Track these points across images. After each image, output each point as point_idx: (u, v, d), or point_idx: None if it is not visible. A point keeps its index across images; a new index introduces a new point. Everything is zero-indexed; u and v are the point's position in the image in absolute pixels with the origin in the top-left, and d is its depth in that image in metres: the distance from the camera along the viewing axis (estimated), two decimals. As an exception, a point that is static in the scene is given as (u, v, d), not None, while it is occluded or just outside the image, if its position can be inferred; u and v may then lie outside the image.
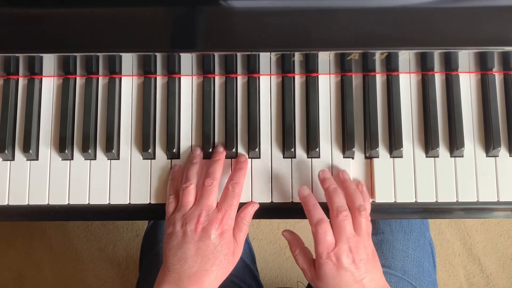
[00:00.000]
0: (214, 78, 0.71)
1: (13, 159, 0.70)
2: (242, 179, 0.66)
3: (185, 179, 0.66)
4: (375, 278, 0.63)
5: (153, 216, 0.73)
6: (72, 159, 0.70)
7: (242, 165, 0.68)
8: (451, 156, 0.69)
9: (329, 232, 0.63)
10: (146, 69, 0.71)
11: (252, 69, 0.70)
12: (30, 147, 0.69)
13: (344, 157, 0.70)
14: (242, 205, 0.67)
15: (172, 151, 0.69)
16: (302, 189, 0.67)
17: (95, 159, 0.70)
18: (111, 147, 0.69)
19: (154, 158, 0.70)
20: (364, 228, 0.64)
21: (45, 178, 0.70)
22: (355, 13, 0.64)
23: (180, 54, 0.69)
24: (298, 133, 0.70)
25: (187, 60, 0.71)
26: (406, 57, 0.70)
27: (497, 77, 0.71)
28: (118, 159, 0.70)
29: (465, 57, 0.70)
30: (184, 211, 0.63)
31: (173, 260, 0.62)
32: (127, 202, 0.69)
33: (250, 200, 0.69)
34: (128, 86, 0.72)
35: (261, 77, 0.71)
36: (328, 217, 0.64)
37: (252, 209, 0.67)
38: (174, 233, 0.63)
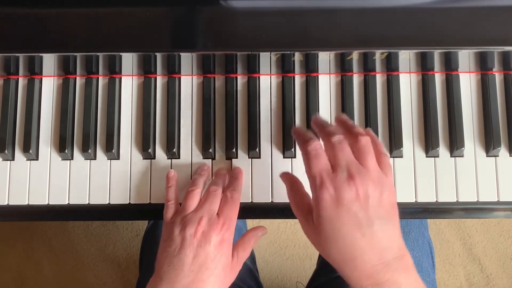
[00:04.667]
0: (214, 78, 0.71)
1: (13, 159, 0.70)
2: (239, 186, 0.65)
3: (192, 183, 0.65)
4: (390, 233, 0.50)
5: (153, 216, 0.73)
6: (72, 159, 0.70)
7: (238, 175, 0.67)
8: (451, 156, 0.69)
9: (321, 151, 0.52)
10: (146, 69, 0.71)
11: (252, 69, 0.70)
12: (30, 147, 0.69)
13: (344, 157, 0.70)
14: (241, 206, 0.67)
15: (172, 151, 0.69)
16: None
17: (95, 159, 0.70)
18: (111, 147, 0.69)
19: (154, 158, 0.70)
20: (370, 157, 0.52)
21: (45, 178, 0.70)
22: (355, 13, 0.64)
23: (180, 54, 0.69)
24: (298, 133, 0.70)
25: (187, 60, 0.71)
26: (406, 57, 0.70)
27: (497, 77, 0.71)
28: (118, 159, 0.70)
29: (465, 57, 0.70)
30: (184, 214, 0.61)
31: (167, 268, 0.57)
32: (127, 202, 0.69)
33: (250, 200, 0.69)
34: (128, 86, 0.72)
35: (261, 77, 0.71)
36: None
37: (261, 233, 0.66)
38: (171, 238, 0.59)
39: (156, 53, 0.69)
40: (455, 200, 0.69)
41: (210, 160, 0.70)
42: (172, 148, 0.69)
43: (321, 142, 0.56)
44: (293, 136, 0.61)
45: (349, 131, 0.55)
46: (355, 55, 0.70)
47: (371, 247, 0.49)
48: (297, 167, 0.69)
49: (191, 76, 0.72)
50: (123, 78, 0.72)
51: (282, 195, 0.69)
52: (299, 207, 0.56)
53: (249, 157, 0.70)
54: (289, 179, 0.60)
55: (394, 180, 0.69)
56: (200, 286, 0.57)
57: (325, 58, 0.70)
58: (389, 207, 0.51)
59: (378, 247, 0.49)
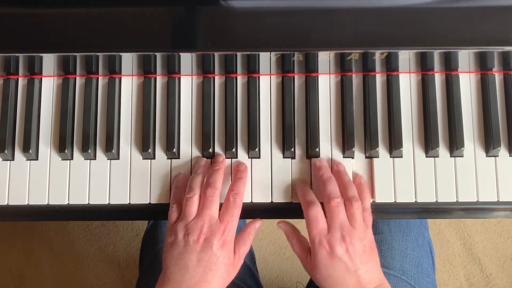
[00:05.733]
0: (214, 78, 0.71)
1: (13, 159, 0.70)
2: (242, 189, 0.66)
3: (189, 188, 0.65)
4: (371, 271, 0.63)
5: (153, 216, 0.73)
6: (72, 159, 0.70)
7: (242, 174, 0.67)
8: (451, 156, 0.69)
9: (320, 216, 0.64)
10: (146, 69, 0.71)
11: (252, 69, 0.70)
12: (30, 147, 0.69)
13: (344, 157, 0.70)
14: (244, 205, 0.67)
15: (172, 151, 0.69)
16: (300, 187, 0.68)
17: (95, 159, 0.70)
18: (111, 147, 0.69)
19: (154, 158, 0.70)
20: (358, 220, 0.64)
21: (45, 178, 0.70)
22: (355, 13, 0.64)
23: (180, 54, 0.69)
24: (298, 133, 0.70)
25: (187, 60, 0.71)
26: (406, 57, 0.70)
27: (497, 77, 0.71)
28: (118, 159, 0.70)
29: (465, 57, 0.70)
30: (186, 221, 0.63)
31: (174, 269, 0.61)
32: (127, 202, 0.69)
33: (250, 200, 0.69)
34: (128, 86, 0.72)
35: (261, 77, 0.71)
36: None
37: (258, 226, 0.69)
38: (175, 242, 0.62)
39: (156, 53, 0.69)
40: (455, 200, 0.68)
41: (210, 160, 0.70)
42: (172, 148, 0.69)
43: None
44: (297, 194, 0.68)
45: (344, 189, 0.66)
46: (355, 55, 0.70)
47: (356, 284, 0.62)
48: (297, 167, 0.69)
49: (191, 76, 0.72)
50: (123, 78, 0.72)
51: (282, 195, 0.69)
52: (299, 250, 0.68)
53: (249, 157, 0.70)
54: (286, 230, 0.70)
55: (394, 181, 0.69)
56: (204, 285, 0.61)
57: (325, 58, 0.70)
58: (370, 251, 0.64)
59: (361, 284, 0.62)
